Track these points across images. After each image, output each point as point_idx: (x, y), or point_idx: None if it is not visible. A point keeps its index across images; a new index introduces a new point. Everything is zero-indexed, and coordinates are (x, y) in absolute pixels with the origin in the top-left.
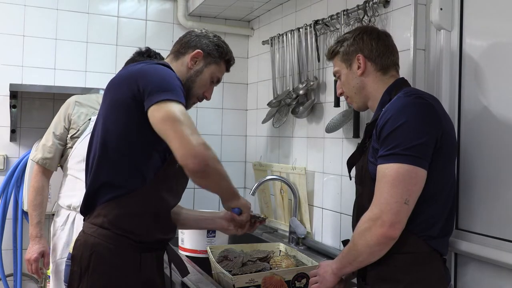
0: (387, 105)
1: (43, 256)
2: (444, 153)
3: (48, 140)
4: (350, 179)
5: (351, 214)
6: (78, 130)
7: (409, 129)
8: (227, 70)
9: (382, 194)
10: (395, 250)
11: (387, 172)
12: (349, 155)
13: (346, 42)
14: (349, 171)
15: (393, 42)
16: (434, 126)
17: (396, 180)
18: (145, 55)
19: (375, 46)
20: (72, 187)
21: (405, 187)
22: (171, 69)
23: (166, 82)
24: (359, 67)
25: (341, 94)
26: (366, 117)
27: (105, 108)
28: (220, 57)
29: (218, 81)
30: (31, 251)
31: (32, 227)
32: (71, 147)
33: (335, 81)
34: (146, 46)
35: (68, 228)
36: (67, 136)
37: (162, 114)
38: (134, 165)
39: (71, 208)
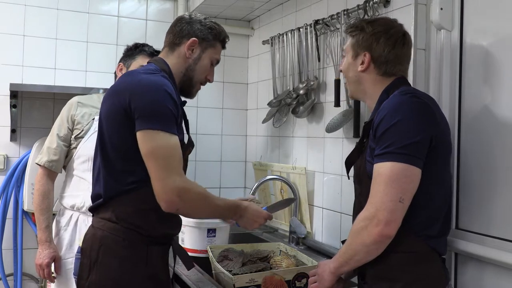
0: (383, 103)
1: (54, 260)
2: (439, 152)
3: (52, 142)
4: (349, 179)
5: (351, 214)
6: (82, 130)
7: (403, 127)
8: (224, 48)
9: (377, 193)
10: (394, 249)
11: (382, 171)
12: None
13: (363, 34)
14: (347, 171)
15: (408, 51)
16: (429, 125)
17: (390, 179)
18: (134, 48)
19: (386, 53)
20: (77, 187)
21: (399, 186)
22: (166, 76)
23: (156, 105)
24: (362, 63)
25: (341, 71)
26: (367, 116)
27: (103, 115)
28: (215, 39)
29: (217, 62)
30: (42, 256)
31: (40, 231)
32: (76, 148)
33: (336, 81)
34: (135, 42)
35: (71, 228)
36: (71, 137)
37: (147, 147)
38: (137, 167)
39: (75, 209)
